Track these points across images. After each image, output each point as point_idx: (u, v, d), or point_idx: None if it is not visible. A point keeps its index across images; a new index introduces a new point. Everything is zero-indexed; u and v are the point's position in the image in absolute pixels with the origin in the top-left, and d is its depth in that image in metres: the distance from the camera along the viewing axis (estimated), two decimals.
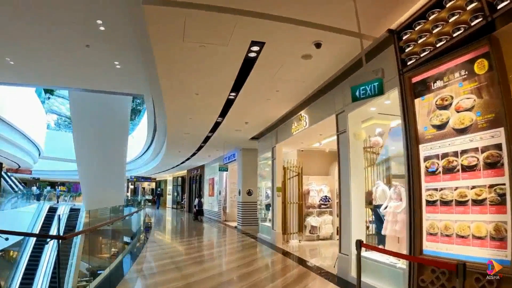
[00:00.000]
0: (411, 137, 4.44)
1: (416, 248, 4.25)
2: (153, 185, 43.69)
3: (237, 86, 6.32)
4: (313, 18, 4.05)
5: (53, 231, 16.50)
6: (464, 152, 3.64)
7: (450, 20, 3.82)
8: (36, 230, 17.00)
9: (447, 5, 3.77)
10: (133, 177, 33.16)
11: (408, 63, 4.53)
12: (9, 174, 29.14)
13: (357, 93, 3.75)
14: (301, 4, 3.80)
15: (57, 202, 24.24)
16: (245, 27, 4.19)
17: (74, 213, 17.23)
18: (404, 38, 4.53)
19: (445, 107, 3.96)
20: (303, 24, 4.08)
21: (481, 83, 3.52)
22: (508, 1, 3.15)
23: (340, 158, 6.21)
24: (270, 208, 10.64)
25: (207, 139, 12.28)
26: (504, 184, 3.20)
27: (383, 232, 5.38)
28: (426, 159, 4.20)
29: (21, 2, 5.27)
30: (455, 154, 3.77)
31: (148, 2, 3.70)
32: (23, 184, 32.31)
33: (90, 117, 13.58)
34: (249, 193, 14.55)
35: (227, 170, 15.22)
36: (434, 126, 4.10)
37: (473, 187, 3.52)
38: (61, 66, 8.51)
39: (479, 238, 3.45)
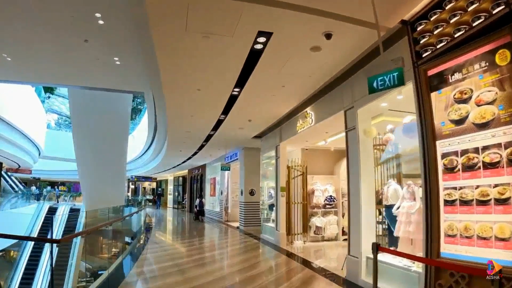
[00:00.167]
0: (428, 133, 4.20)
1: (433, 251, 4.01)
2: (154, 184, 43.52)
3: (242, 81, 6.07)
4: (325, 5, 3.80)
5: (53, 231, 16.35)
6: (485, 148, 3.42)
7: (469, 9, 3.60)
8: (36, 231, 16.79)
9: None
10: (133, 176, 32.99)
11: (424, 55, 4.28)
12: (9, 174, 28.99)
13: (374, 84, 3.51)
14: None
15: (57, 202, 24.02)
16: (251, 16, 3.95)
17: (73, 213, 17.05)
18: (418, 29, 4.29)
19: (464, 101, 3.73)
20: (314, 12, 3.83)
21: (503, 75, 3.29)
22: None
23: (349, 156, 5.96)
24: (274, 208, 10.39)
25: (209, 137, 12.03)
26: None
27: (395, 234, 5.13)
28: (444, 156, 3.96)
29: None
30: (476, 150, 3.54)
31: None
32: (23, 184, 32.16)
33: (90, 116, 13.39)
34: (252, 193, 14.31)
35: (229, 170, 14.99)
36: (453, 121, 3.85)
37: (496, 186, 3.29)
38: (60, 62, 8.30)
39: (503, 239, 3.23)
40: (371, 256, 5.36)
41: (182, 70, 5.69)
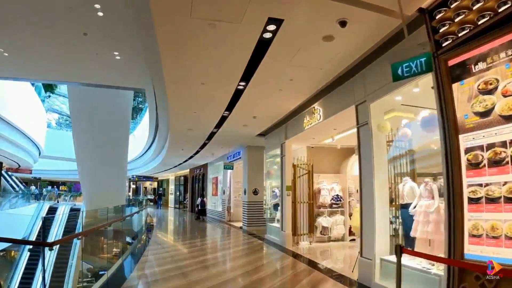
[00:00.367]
0: (450, 126, 3.91)
1: (456, 252, 3.73)
2: (155, 184, 43.31)
3: (248, 74, 5.79)
4: None
5: (53, 232, 16.15)
6: None
7: None
8: (35, 232, 16.57)
9: None
10: (134, 176, 32.80)
11: (444, 44, 3.98)
12: (9, 173, 28.82)
13: (399, 71, 3.24)
14: None
15: (57, 202, 23.81)
16: (262, 0, 3.66)
17: (73, 213, 16.84)
18: (437, 17, 4.01)
19: (489, 92, 3.46)
20: None
21: None
22: None
23: (361, 153, 5.68)
24: (279, 208, 10.12)
25: (211, 135, 11.77)
26: None
27: (412, 234, 4.85)
28: (468, 151, 3.68)
29: None
30: (503, 144, 3.27)
31: None
32: (24, 184, 32.00)
33: (90, 114, 13.15)
34: (255, 192, 14.04)
35: (232, 169, 14.73)
36: (477, 114, 3.58)
37: None
38: (58, 57, 8.04)
39: None
40: (386, 258, 5.13)
41: (185, 62, 5.40)
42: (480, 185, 3.48)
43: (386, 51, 4.81)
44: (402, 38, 4.51)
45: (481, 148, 3.50)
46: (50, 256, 12.82)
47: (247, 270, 6.37)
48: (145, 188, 46.39)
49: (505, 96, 3.29)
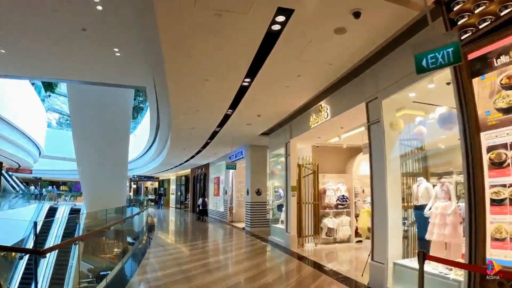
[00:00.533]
0: (470, 124, 3.68)
1: (477, 257, 3.51)
2: (156, 184, 43.14)
3: (253, 70, 5.53)
4: None
5: (53, 232, 15.96)
6: None
7: None
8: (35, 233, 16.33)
9: None
10: (135, 176, 32.61)
11: (463, 37, 3.75)
12: (10, 173, 28.67)
13: (423, 63, 2.99)
14: None
15: (57, 202, 23.61)
16: None
17: (73, 214, 16.64)
18: (455, 8, 3.77)
19: None
20: None
21: None
22: None
23: (372, 152, 5.43)
24: (283, 208, 9.88)
25: (214, 134, 11.53)
26: None
27: (428, 237, 4.61)
28: (490, 149, 3.46)
29: None
30: None
31: None
32: (24, 184, 31.86)
33: (89, 113, 12.94)
34: (258, 192, 13.80)
35: (235, 168, 14.47)
36: (500, 110, 3.36)
37: None
38: (56, 54, 7.82)
39: None
40: (399, 262, 4.90)
41: (189, 56, 5.14)
42: (504, 185, 3.28)
43: (400, 44, 4.57)
44: (418, 31, 4.30)
45: (504, 146, 3.29)
46: (50, 256, 12.68)
47: (253, 274, 6.12)
48: (146, 188, 46.24)
49: None
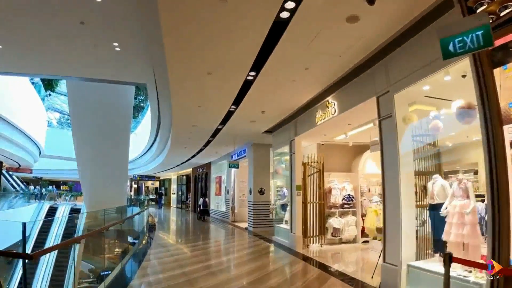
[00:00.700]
0: (492, 117, 3.45)
1: (501, 258, 3.27)
2: (157, 184, 42.94)
3: (259, 62, 5.27)
4: None
5: (52, 232, 15.75)
6: None
7: None
8: (35, 232, 16.16)
9: None
10: (136, 175, 32.41)
11: None
12: (10, 173, 28.48)
13: (450, 47, 2.75)
14: None
15: (56, 201, 23.41)
16: None
17: (73, 214, 16.44)
18: None
19: None
20: None
21: None
22: None
23: (383, 148, 5.17)
24: (287, 208, 9.62)
25: (216, 132, 11.27)
26: None
27: (444, 238, 4.35)
28: None
29: None
30: None
31: None
32: (24, 184, 31.67)
33: (89, 112, 12.68)
34: (261, 192, 13.53)
35: (237, 167, 14.20)
36: None
37: None
38: (53, 49, 7.55)
39: None
40: (414, 263, 4.64)
41: (191, 47, 4.88)
42: None
43: (415, 33, 4.31)
44: (436, 19, 4.03)
45: None
46: (49, 256, 12.48)
47: (258, 277, 5.86)
48: (147, 187, 46.05)
49: None
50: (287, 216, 9.72)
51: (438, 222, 4.55)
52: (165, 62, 5.36)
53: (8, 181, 27.41)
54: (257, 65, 5.39)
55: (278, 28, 4.19)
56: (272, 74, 5.83)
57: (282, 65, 5.47)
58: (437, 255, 4.68)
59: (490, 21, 3.38)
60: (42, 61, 8.48)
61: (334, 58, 5.16)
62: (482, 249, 4.30)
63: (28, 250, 13.82)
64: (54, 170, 36.06)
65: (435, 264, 4.55)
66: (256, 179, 13.59)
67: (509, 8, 3.25)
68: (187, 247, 9.81)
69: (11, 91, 17.68)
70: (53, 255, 11.75)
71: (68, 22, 6.31)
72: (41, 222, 17.37)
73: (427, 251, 4.97)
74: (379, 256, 5.72)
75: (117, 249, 8.65)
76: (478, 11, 3.50)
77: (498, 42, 3.37)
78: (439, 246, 4.66)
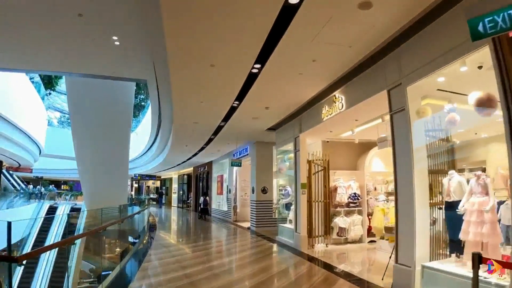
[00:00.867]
0: None
1: None
2: (158, 183, 42.77)
3: (264, 54, 5.03)
4: None
5: (52, 233, 15.57)
6: None
7: None
8: (35, 232, 15.98)
9: None
10: (137, 175, 32.21)
11: None
12: (10, 172, 28.32)
13: (480, 28, 2.51)
14: None
15: (56, 201, 23.23)
16: None
17: (73, 213, 16.25)
18: None
19: None
20: None
21: None
22: None
23: (395, 143, 4.93)
24: (292, 208, 9.38)
25: (218, 129, 11.03)
26: None
27: (462, 237, 4.12)
28: None
29: None
30: None
31: None
32: (25, 183, 31.52)
33: (89, 111, 12.44)
34: (264, 191, 13.30)
35: (240, 165, 13.97)
36: None
37: None
38: (51, 43, 7.31)
39: None
40: (428, 264, 4.41)
41: (193, 37, 4.63)
42: None
43: (430, 22, 4.06)
44: (451, 7, 3.79)
45: None
46: (49, 256, 12.29)
47: (263, 279, 5.60)
48: (148, 187, 45.86)
49: None
50: (291, 215, 9.49)
51: (455, 221, 4.31)
52: (166, 55, 5.11)
53: (9, 180, 27.26)
54: (263, 57, 5.15)
55: (286, 14, 3.94)
56: (278, 67, 5.59)
57: (289, 57, 5.22)
58: (453, 255, 4.44)
59: None
60: (39, 55, 8.22)
61: (344, 48, 4.90)
62: (502, 249, 4.09)
63: (28, 249, 13.68)
64: (55, 170, 35.90)
65: (451, 265, 4.32)
66: (258, 177, 13.34)
67: None
68: (189, 247, 9.58)
69: (11, 90, 17.49)
70: (53, 255, 11.56)
71: (66, 14, 6.08)
72: (41, 221, 17.19)
73: (441, 251, 4.74)
74: (390, 257, 5.49)
75: (117, 249, 8.46)
76: None
77: None
78: (454, 245, 4.43)
